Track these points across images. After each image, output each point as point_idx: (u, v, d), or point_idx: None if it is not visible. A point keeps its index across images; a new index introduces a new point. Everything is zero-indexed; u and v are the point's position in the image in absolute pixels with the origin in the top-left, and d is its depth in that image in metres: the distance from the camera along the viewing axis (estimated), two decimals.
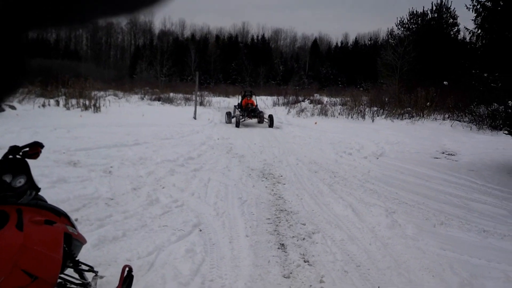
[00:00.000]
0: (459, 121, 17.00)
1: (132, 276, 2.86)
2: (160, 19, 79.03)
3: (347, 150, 10.33)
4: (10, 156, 2.28)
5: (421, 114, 18.70)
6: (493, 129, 15.02)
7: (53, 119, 12.76)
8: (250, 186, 6.55)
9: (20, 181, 2.17)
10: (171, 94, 29.23)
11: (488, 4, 10.56)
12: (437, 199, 6.18)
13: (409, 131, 14.70)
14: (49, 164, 6.84)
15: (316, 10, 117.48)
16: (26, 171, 2.25)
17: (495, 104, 15.98)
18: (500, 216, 5.47)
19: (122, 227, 4.34)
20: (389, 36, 31.58)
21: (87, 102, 17.68)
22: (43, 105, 17.23)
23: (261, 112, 16.44)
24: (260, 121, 16.20)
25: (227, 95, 37.96)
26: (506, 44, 8.94)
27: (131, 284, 2.87)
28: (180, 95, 29.43)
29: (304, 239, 4.40)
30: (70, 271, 2.56)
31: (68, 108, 17.27)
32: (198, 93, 20.79)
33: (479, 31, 11.50)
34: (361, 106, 20.66)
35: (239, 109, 16.50)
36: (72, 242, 2.39)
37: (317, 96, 31.68)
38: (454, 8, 27.15)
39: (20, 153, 2.31)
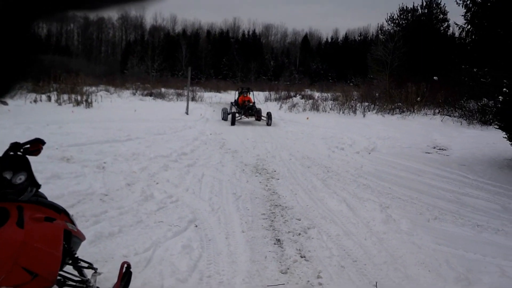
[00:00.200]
0: (449, 116, 17.14)
1: (130, 273, 2.86)
2: (151, 14, 78.62)
3: (339, 145, 10.38)
4: (11, 153, 2.26)
5: (412, 109, 18.82)
6: (483, 124, 15.17)
7: (45, 114, 12.65)
8: (244, 182, 6.56)
9: (21, 178, 2.16)
10: (163, 90, 29.07)
11: None
12: (430, 194, 6.23)
13: (400, 126, 14.79)
14: (42, 160, 6.77)
15: (307, 6, 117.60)
16: (26, 167, 2.23)
17: (485, 99, 16.14)
18: (493, 210, 5.53)
19: (118, 223, 4.32)
20: (380, 31, 31.73)
21: (79, 98, 17.53)
22: (35, 101, 17.05)
23: (259, 109, 15.41)
24: (258, 119, 15.13)
25: (218, 90, 37.90)
26: (496, 39, 9.01)
27: (129, 281, 2.87)
28: (171, 91, 29.28)
29: (299, 234, 4.41)
30: (69, 268, 2.55)
31: (60, 104, 17.10)
32: (190, 88, 20.67)
33: (469, 26, 11.55)
34: (353, 101, 20.73)
35: (236, 107, 15.87)
36: (72, 239, 2.38)
37: (308, 92, 31.68)
38: (444, 4, 27.32)
39: (21, 150, 2.29)
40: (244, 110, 15.21)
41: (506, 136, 8.60)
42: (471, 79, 17.39)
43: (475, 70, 16.35)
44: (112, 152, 7.87)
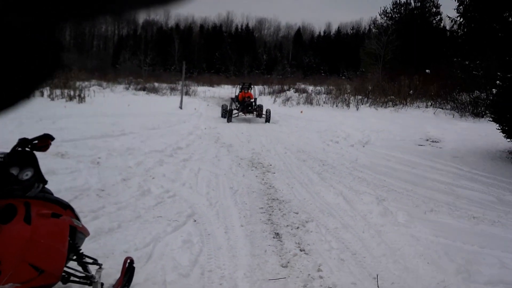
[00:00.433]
0: (442, 108, 17.23)
1: (133, 268, 2.86)
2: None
3: (333, 138, 10.41)
4: (19, 149, 2.25)
5: (404, 102, 18.89)
6: (475, 116, 15.27)
7: (37, 110, 12.52)
8: (240, 176, 6.57)
9: (27, 174, 2.15)
10: (156, 84, 28.94)
11: None
12: (425, 186, 6.28)
13: (393, 119, 14.84)
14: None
15: None
16: (33, 163, 2.23)
17: (477, 92, 16.27)
18: (488, 202, 5.59)
19: (117, 218, 4.31)
20: (373, 25, 31.80)
21: (71, 93, 17.40)
22: None
23: (260, 106, 14.68)
24: (259, 115, 14.39)
25: (211, 84, 37.74)
26: (487, 32, 9.06)
27: (132, 276, 2.87)
28: (164, 85, 29.16)
29: (298, 228, 4.44)
30: (72, 264, 2.55)
31: (52, 99, 16.94)
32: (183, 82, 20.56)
33: (461, 19, 11.60)
34: (346, 95, 20.76)
35: (236, 103, 15.19)
36: (76, 234, 2.37)
37: (301, 85, 31.66)
38: None
39: (29, 146, 2.28)
40: (243, 106, 14.55)
41: (499, 128, 8.67)
42: (463, 71, 17.53)
43: (467, 62, 16.48)
44: (106, 147, 7.83)
